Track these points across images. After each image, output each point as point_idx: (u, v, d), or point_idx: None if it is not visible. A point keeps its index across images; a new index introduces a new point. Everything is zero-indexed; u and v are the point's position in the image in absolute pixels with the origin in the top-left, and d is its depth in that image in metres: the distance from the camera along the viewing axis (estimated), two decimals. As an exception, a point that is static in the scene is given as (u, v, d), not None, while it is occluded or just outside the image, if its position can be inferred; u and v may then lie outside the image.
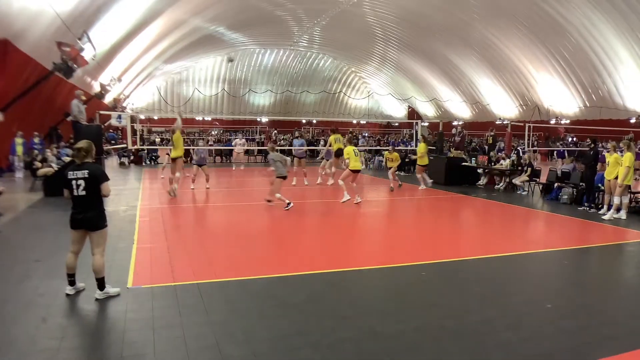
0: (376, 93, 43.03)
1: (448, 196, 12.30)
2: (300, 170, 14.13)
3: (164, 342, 3.59)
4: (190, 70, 39.74)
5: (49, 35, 13.00)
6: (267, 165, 11.07)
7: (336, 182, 12.61)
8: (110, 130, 26.40)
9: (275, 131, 32.60)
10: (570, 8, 20.04)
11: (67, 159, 12.03)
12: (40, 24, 12.44)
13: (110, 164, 20.06)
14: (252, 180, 15.72)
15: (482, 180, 14.48)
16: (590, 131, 19.99)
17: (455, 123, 30.08)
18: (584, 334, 3.91)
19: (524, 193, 12.68)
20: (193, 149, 14.61)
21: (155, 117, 37.72)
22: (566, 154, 22.47)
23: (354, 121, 42.25)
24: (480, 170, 14.70)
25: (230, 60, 38.01)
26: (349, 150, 10.46)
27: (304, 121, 38.41)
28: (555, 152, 24.35)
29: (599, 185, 10.27)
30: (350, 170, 10.43)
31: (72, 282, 4.55)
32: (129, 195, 11.27)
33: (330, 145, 13.20)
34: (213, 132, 34.63)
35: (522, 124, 18.36)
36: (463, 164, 14.72)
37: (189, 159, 15.93)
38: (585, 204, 10.39)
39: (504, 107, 31.19)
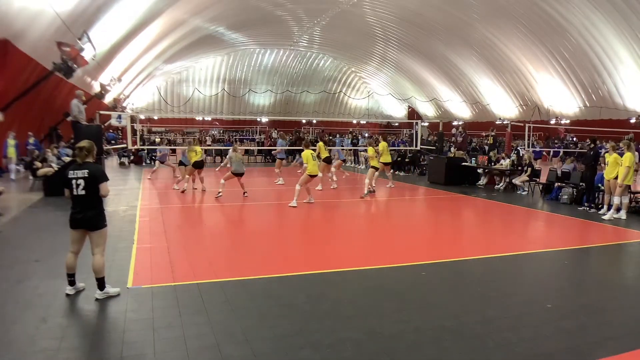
0: (376, 93, 43.04)
1: (448, 196, 12.30)
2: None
3: (164, 342, 3.59)
4: (190, 70, 39.75)
5: (49, 35, 13.00)
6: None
7: (338, 181, 12.61)
8: (110, 130, 26.40)
9: (275, 131, 32.60)
10: (570, 8, 20.05)
11: (67, 159, 12.04)
12: (40, 24, 12.45)
13: (110, 164, 20.06)
14: (253, 181, 15.72)
15: (482, 180, 14.49)
16: (590, 131, 19.98)
17: (455, 123, 30.10)
18: (584, 334, 3.90)
19: (524, 193, 12.68)
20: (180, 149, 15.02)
21: (155, 117, 37.73)
22: (561, 153, 22.55)
23: (354, 121, 42.26)
24: (480, 170, 14.70)
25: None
26: (307, 153, 10.15)
27: (304, 121, 38.42)
28: (551, 151, 24.36)
29: (599, 185, 10.27)
30: (309, 175, 9.99)
31: (72, 282, 4.55)
32: (129, 195, 11.27)
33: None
34: (213, 132, 34.65)
35: (522, 124, 18.37)
36: (463, 164, 14.73)
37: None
38: (585, 204, 10.39)
39: (504, 107, 31.19)
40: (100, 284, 4.46)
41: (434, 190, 13.37)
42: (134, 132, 19.80)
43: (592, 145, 10.87)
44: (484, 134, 24.25)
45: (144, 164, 20.64)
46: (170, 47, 28.00)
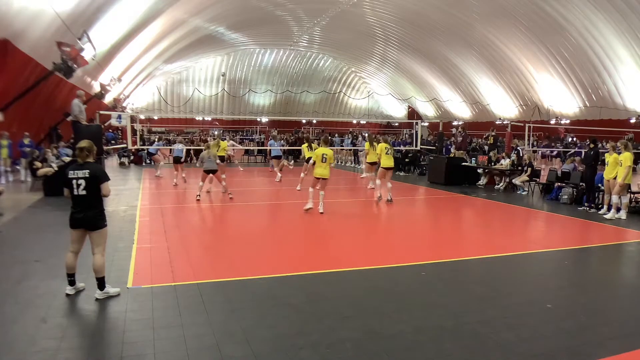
0: (376, 93, 43.05)
1: (448, 196, 12.30)
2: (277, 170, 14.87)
3: (164, 342, 3.59)
4: (190, 70, 39.77)
5: (49, 35, 13.00)
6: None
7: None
8: (110, 130, 26.40)
9: (275, 131, 32.58)
10: (570, 8, 20.05)
11: (67, 159, 12.03)
12: (40, 24, 12.45)
13: (110, 164, 20.06)
14: (253, 180, 15.72)
15: (482, 180, 14.48)
16: (590, 131, 19.99)
17: (455, 123, 30.10)
18: (584, 334, 3.90)
19: (524, 193, 12.68)
20: (171, 149, 15.66)
21: (155, 117, 37.75)
22: (554, 153, 22.55)
23: (354, 121, 42.26)
24: (480, 170, 14.70)
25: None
26: (317, 152, 9.28)
27: (304, 121, 38.43)
28: (555, 151, 24.35)
29: (599, 185, 10.27)
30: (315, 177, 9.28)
31: (72, 282, 4.55)
32: (129, 195, 11.27)
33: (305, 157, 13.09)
34: (214, 132, 34.62)
35: (522, 124, 18.37)
36: (463, 164, 14.73)
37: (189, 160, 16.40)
38: (585, 204, 10.38)
39: (504, 107, 31.20)
40: (100, 284, 4.46)
41: (434, 190, 13.36)
42: (134, 132, 19.81)
43: (592, 145, 10.87)
44: (484, 135, 24.24)
45: (144, 164, 20.63)
46: (170, 47, 28.01)
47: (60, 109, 17.10)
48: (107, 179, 4.55)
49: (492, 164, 14.34)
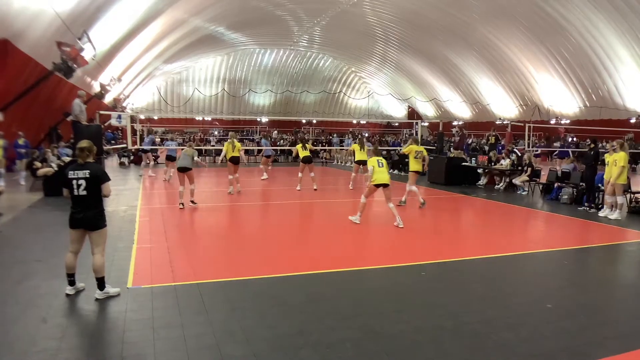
0: (376, 93, 43.05)
1: (448, 196, 12.30)
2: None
3: (164, 342, 3.59)
4: (190, 70, 39.76)
5: (49, 35, 13.01)
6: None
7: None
8: (109, 130, 26.40)
9: (275, 131, 32.60)
10: (571, 8, 20.05)
11: (67, 159, 12.03)
12: (40, 24, 12.45)
13: (110, 164, 20.06)
14: (252, 180, 15.72)
15: (482, 180, 14.48)
16: (590, 131, 20.00)
17: (455, 123, 30.10)
18: (584, 334, 3.90)
19: (524, 193, 12.68)
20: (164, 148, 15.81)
21: (155, 117, 37.72)
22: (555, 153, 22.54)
23: (354, 121, 42.25)
24: (480, 170, 14.70)
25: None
26: (372, 161, 8.17)
27: (304, 121, 38.42)
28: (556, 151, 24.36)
29: (599, 185, 10.27)
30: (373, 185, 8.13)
31: (72, 282, 4.55)
32: (129, 195, 11.27)
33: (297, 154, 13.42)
34: (215, 133, 34.63)
35: (522, 124, 18.36)
36: (463, 164, 14.72)
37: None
38: (585, 204, 10.38)
39: (504, 107, 31.20)
40: (100, 284, 4.46)
41: (434, 190, 13.36)
42: (134, 132, 19.78)
43: (592, 145, 10.87)
44: (485, 134, 24.25)
45: (143, 164, 20.62)
46: (170, 47, 28.02)
47: (60, 109, 17.11)
48: (107, 179, 4.55)
49: (492, 164, 14.34)
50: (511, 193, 12.87)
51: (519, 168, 13.27)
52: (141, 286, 4.79)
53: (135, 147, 18.96)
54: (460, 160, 14.94)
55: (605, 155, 9.93)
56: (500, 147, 17.87)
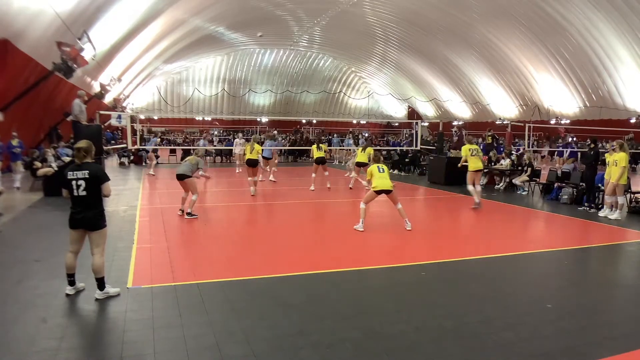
0: (376, 93, 43.05)
1: (448, 196, 12.30)
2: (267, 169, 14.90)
3: (164, 342, 3.59)
4: (190, 70, 39.76)
5: (49, 35, 13.00)
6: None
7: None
8: (108, 130, 26.39)
9: (276, 131, 32.53)
10: (571, 8, 20.05)
11: (67, 159, 12.02)
12: (40, 24, 12.45)
13: (110, 164, 20.06)
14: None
15: (482, 180, 14.46)
16: (590, 131, 19.98)
17: (455, 123, 30.10)
18: (584, 334, 3.90)
19: (524, 193, 12.68)
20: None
21: (155, 117, 37.72)
22: (566, 154, 22.49)
23: (354, 121, 42.25)
24: (480, 170, 14.67)
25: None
26: (373, 167, 8.03)
27: (304, 121, 38.42)
28: (555, 152, 24.35)
29: (599, 185, 10.27)
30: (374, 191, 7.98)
31: (71, 282, 4.54)
32: (129, 195, 11.27)
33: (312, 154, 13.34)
34: (215, 132, 34.60)
35: (522, 124, 18.36)
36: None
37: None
38: (585, 204, 10.38)
39: (504, 107, 31.19)
40: (100, 284, 4.46)
41: (434, 190, 13.36)
42: (134, 132, 19.79)
43: (592, 145, 10.86)
44: (482, 135, 24.23)
45: (143, 164, 20.62)
46: (170, 47, 28.01)
47: (60, 109, 17.11)
48: (107, 179, 4.54)
49: (492, 164, 14.33)
50: (511, 193, 12.87)
51: (519, 168, 13.27)
52: (141, 286, 4.79)
53: (136, 147, 18.98)
54: (460, 160, 14.90)
55: (606, 155, 9.93)
56: (501, 148, 17.88)
